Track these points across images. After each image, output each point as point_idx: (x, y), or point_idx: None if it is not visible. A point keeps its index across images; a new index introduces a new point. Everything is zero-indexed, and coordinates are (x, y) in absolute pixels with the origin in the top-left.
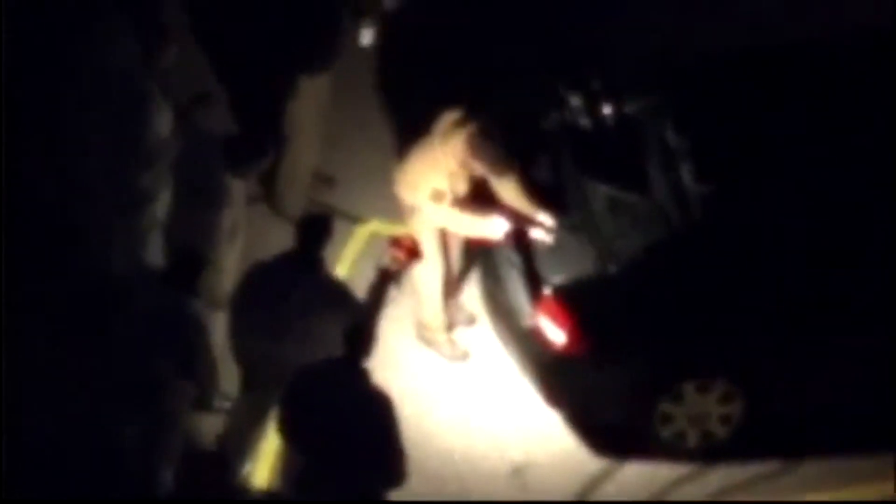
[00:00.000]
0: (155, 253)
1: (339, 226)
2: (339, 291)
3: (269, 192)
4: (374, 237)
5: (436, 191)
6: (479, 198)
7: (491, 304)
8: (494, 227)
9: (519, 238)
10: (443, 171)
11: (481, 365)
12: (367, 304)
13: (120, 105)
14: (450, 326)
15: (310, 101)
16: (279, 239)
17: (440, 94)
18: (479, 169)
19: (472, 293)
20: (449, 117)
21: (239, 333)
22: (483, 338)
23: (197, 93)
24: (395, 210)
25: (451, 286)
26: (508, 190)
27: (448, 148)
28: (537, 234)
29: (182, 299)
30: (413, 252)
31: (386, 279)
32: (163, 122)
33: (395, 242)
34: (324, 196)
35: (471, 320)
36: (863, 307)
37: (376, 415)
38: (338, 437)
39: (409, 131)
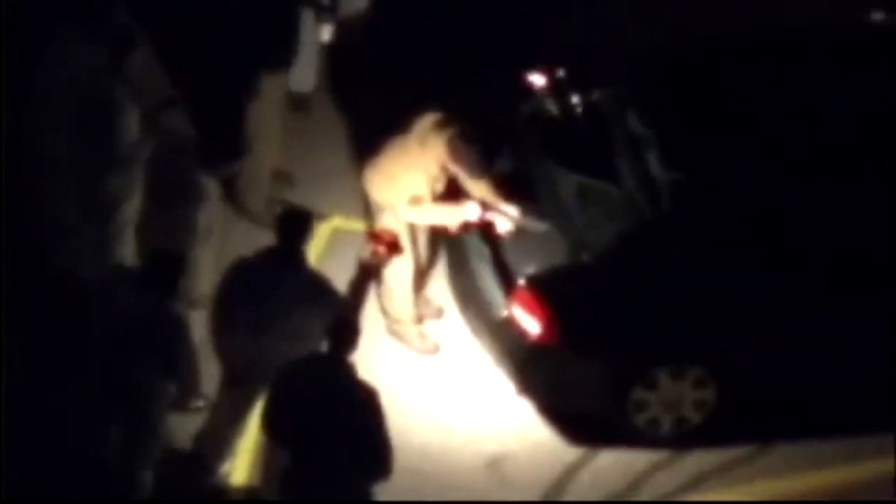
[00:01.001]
0: (128, 255)
1: None
2: (321, 287)
3: (230, 191)
4: (335, 233)
5: (414, 196)
6: (451, 193)
7: (462, 297)
8: (469, 211)
9: (488, 230)
10: (421, 172)
11: (452, 358)
12: (349, 299)
13: (89, 110)
14: (419, 320)
15: (270, 100)
16: (242, 237)
17: (400, 92)
18: (459, 172)
19: (438, 286)
20: (428, 119)
21: (220, 331)
22: (452, 330)
23: (163, 96)
24: (354, 206)
25: (419, 279)
26: (480, 188)
27: (428, 150)
28: (506, 227)
29: (162, 300)
30: (393, 246)
31: (367, 273)
32: (132, 126)
33: (375, 237)
34: (284, 194)
35: (439, 313)
36: (834, 292)
37: (363, 408)
38: (324, 432)
39: (367, 129)
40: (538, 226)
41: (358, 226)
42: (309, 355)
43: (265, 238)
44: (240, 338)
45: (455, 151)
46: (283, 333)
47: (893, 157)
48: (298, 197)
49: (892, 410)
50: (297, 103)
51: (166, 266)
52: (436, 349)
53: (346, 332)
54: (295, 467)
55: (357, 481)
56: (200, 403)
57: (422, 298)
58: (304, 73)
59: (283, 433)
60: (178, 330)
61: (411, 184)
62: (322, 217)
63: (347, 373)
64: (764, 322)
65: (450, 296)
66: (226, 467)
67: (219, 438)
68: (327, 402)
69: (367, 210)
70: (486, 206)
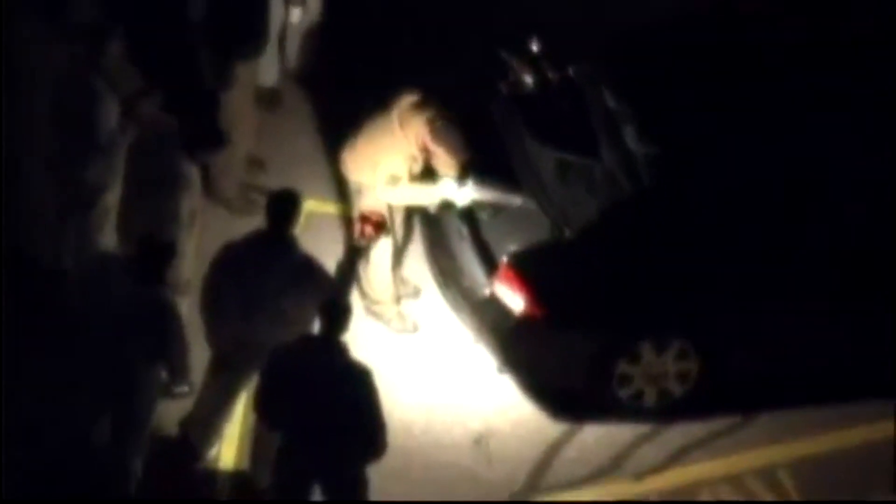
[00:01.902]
0: (110, 243)
1: None
2: (311, 269)
3: (203, 178)
4: (310, 217)
5: (392, 176)
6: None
7: (441, 275)
8: (447, 189)
9: (465, 210)
10: (400, 153)
11: (431, 337)
12: (339, 280)
13: (66, 101)
14: (397, 300)
15: (243, 86)
16: (216, 224)
17: (370, 74)
18: (439, 152)
19: (413, 266)
20: (407, 100)
21: (210, 316)
22: (429, 310)
23: (140, 86)
24: (326, 190)
25: (395, 259)
26: (458, 168)
27: (407, 131)
28: (482, 205)
29: (152, 287)
30: (381, 227)
31: (355, 254)
32: (110, 115)
33: (363, 218)
34: (257, 179)
35: (416, 293)
36: (814, 262)
37: (357, 388)
38: (319, 413)
39: (339, 113)
40: (514, 200)
41: (331, 209)
42: (302, 337)
43: (239, 224)
44: (229, 322)
45: (435, 132)
46: (273, 317)
47: (875, 127)
48: (271, 182)
49: (872, 380)
50: (266, 98)
51: (155, 253)
52: (415, 328)
53: (338, 312)
54: (288, 450)
55: (351, 461)
56: (185, 389)
57: (398, 278)
58: (269, 66)
59: (276, 416)
60: (169, 316)
61: (390, 164)
62: None
63: (341, 353)
64: (745, 293)
65: (425, 275)
66: (213, 452)
67: (206, 424)
68: (322, 383)
69: (342, 192)
70: (462, 183)
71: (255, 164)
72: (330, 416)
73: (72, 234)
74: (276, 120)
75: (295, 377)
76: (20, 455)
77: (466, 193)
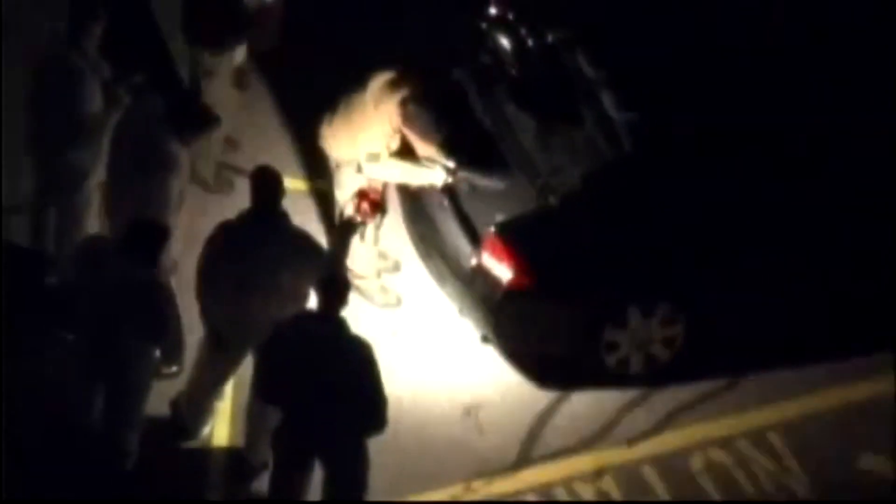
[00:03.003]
0: (91, 228)
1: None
2: (306, 244)
3: None
4: (288, 195)
5: (371, 153)
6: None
7: (424, 248)
8: (435, 177)
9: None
10: (377, 130)
11: (414, 310)
12: (333, 255)
13: (48, 83)
14: (378, 274)
15: (224, 70)
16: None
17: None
18: (410, 134)
19: (392, 240)
20: (381, 78)
21: (205, 295)
22: (410, 283)
23: (123, 69)
24: (299, 168)
25: (375, 234)
26: (430, 150)
27: (381, 109)
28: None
29: (146, 270)
30: (378, 204)
31: (350, 230)
32: (94, 97)
33: (361, 194)
34: (231, 159)
35: (396, 267)
36: (798, 224)
37: (359, 362)
38: (320, 388)
39: (306, 91)
40: (497, 185)
41: (302, 186)
42: (302, 312)
43: (214, 204)
44: (225, 301)
45: (406, 115)
46: (268, 294)
47: (857, 80)
48: (245, 162)
49: (858, 339)
50: (235, 78)
51: (150, 236)
52: (398, 302)
53: (337, 286)
54: (288, 425)
55: (352, 435)
56: (174, 370)
57: (378, 253)
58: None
59: (276, 392)
60: (164, 298)
61: (368, 141)
62: None
63: (342, 327)
64: (729, 255)
65: (404, 249)
66: (207, 431)
67: (198, 403)
68: (323, 358)
69: (316, 169)
70: (450, 172)
71: (230, 143)
72: (331, 390)
73: (56, 220)
74: (246, 99)
75: (296, 352)
76: (18, 438)
77: (453, 180)
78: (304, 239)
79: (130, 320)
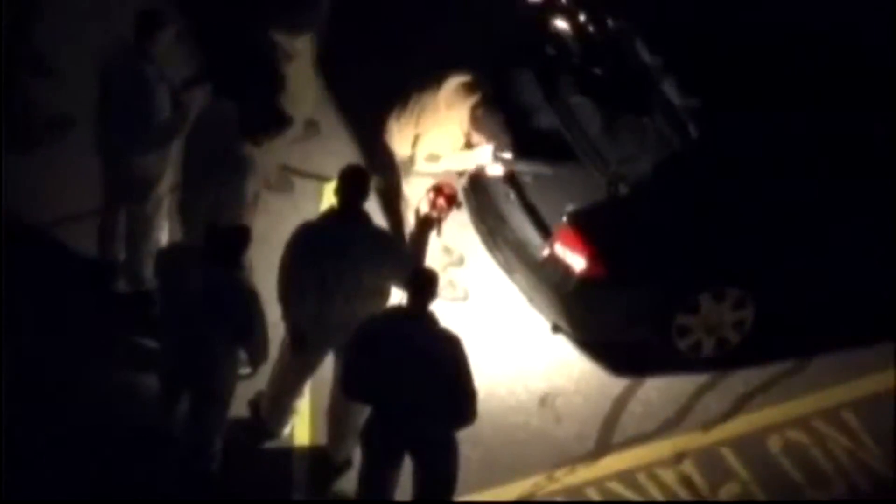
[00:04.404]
0: (162, 233)
1: (305, 186)
2: (389, 243)
3: None
4: None
5: (432, 154)
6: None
7: (493, 241)
8: (483, 154)
9: (509, 175)
10: (445, 133)
11: (482, 303)
12: (414, 252)
13: (117, 92)
14: (444, 269)
15: (304, 52)
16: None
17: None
18: (480, 140)
19: (454, 234)
20: (455, 81)
21: (288, 295)
22: (475, 277)
23: (189, 75)
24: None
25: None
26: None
27: (451, 112)
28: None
29: (230, 273)
30: (453, 199)
31: (427, 225)
32: (162, 105)
33: (437, 190)
34: (311, 140)
35: (461, 261)
36: (860, 206)
37: (450, 356)
38: (411, 384)
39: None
40: (545, 169)
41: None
42: (390, 309)
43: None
44: (308, 302)
45: (476, 120)
46: (351, 293)
47: None
48: (298, 162)
49: None
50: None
51: (232, 238)
52: (466, 296)
53: (427, 282)
54: (378, 423)
55: (442, 429)
56: (248, 371)
57: (443, 248)
58: None
59: (365, 389)
60: (251, 301)
61: (433, 141)
62: (325, 179)
63: (432, 322)
64: (796, 238)
65: (467, 243)
66: (287, 430)
67: (278, 402)
68: (413, 354)
69: (375, 162)
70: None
71: (311, 126)
72: (422, 385)
73: (122, 226)
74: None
75: (386, 349)
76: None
77: (501, 163)
78: (385, 238)
79: (217, 324)
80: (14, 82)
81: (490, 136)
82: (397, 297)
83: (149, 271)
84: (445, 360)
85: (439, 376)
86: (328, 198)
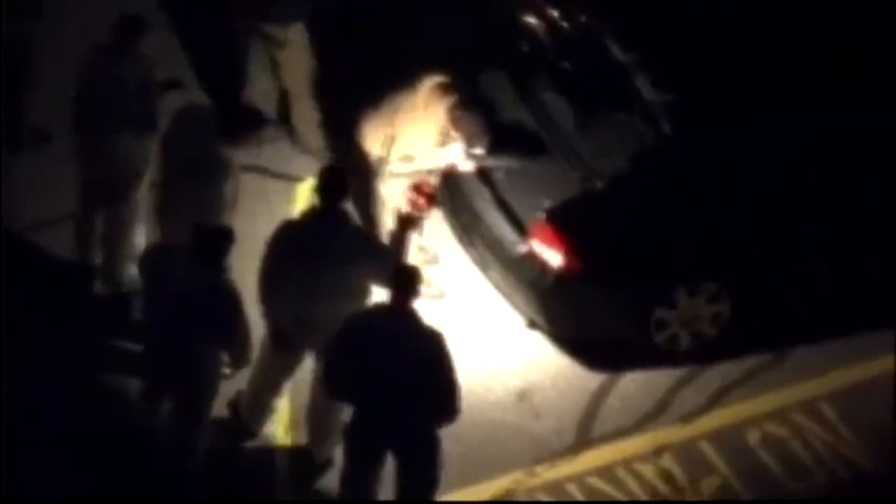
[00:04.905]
0: (145, 234)
1: (276, 186)
2: (370, 241)
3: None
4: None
5: (407, 155)
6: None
7: (468, 239)
8: (453, 153)
9: (481, 172)
10: (421, 134)
11: (457, 301)
12: (396, 251)
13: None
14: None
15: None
16: None
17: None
18: (459, 139)
19: (428, 232)
20: (432, 82)
21: (269, 295)
22: (452, 274)
23: (169, 78)
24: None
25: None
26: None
27: (429, 113)
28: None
29: (213, 273)
30: (433, 198)
31: (409, 225)
32: (142, 107)
33: (416, 189)
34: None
35: (435, 259)
36: (839, 196)
37: (433, 352)
38: (395, 381)
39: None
40: (512, 163)
41: None
42: (372, 307)
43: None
44: (290, 301)
45: (455, 120)
46: (333, 292)
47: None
48: (270, 162)
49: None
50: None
51: (215, 239)
52: (442, 294)
53: (409, 280)
54: (362, 421)
55: (426, 425)
56: (227, 371)
57: (418, 246)
58: None
59: (349, 387)
60: (233, 301)
61: (408, 142)
62: (297, 179)
63: (415, 318)
64: (771, 231)
65: (440, 242)
66: (267, 429)
67: (261, 401)
68: (396, 351)
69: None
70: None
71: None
72: (405, 383)
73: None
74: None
75: (369, 347)
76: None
77: (472, 160)
78: (366, 237)
79: (200, 324)
80: None
81: (469, 137)
82: (379, 295)
83: (126, 273)
84: (429, 356)
85: (423, 373)
86: (302, 198)
